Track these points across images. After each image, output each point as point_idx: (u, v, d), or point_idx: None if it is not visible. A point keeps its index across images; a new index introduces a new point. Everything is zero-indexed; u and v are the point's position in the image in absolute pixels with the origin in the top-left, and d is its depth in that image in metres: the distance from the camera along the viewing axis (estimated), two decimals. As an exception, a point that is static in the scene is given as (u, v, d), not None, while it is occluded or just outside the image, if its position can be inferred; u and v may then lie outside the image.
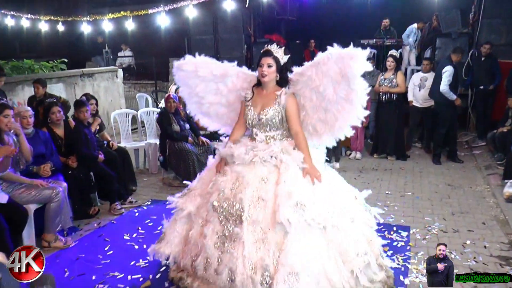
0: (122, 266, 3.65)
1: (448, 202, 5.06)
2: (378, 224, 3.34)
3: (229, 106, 3.42)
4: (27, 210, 3.84)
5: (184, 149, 5.73)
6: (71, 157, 4.76)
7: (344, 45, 2.85)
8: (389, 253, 3.70)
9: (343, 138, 3.19)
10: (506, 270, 3.44)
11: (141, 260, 3.75)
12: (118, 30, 9.66)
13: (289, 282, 2.62)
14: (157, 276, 3.46)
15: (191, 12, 8.19)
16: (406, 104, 7.29)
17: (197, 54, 3.34)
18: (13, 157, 3.85)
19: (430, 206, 4.95)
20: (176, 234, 3.19)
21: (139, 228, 4.50)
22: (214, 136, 5.16)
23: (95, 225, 4.65)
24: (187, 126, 6.00)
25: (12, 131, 3.91)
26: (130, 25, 9.33)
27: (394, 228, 4.29)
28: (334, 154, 6.65)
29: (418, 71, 8.05)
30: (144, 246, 4.06)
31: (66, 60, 8.09)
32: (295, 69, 3.11)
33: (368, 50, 2.90)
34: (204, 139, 5.97)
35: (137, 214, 4.96)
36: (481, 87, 7.77)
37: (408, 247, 3.88)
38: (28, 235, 3.91)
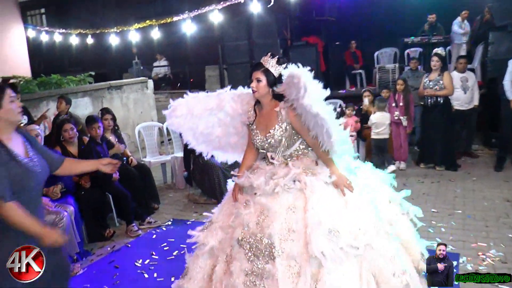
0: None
1: (507, 222, 4.35)
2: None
3: (238, 133, 3.19)
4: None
5: (208, 163, 5.37)
6: (84, 177, 4.53)
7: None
8: None
9: (353, 153, 2.95)
10: None
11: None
12: (150, 40, 9.54)
13: None
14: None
15: (216, 17, 7.87)
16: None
17: (185, 94, 3.10)
18: None
19: (484, 228, 4.26)
20: (199, 270, 2.96)
21: (153, 253, 4.20)
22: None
23: (109, 249, 4.38)
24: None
25: None
26: (166, 34, 9.18)
27: (440, 256, 3.68)
28: (385, 159, 6.14)
29: (470, 70, 7.26)
30: (155, 275, 3.79)
31: (93, 73, 8.00)
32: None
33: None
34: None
35: (154, 236, 4.65)
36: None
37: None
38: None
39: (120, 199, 4.68)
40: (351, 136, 5.38)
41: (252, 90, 2.77)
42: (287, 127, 2.74)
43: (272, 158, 2.84)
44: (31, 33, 10.68)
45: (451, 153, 6.39)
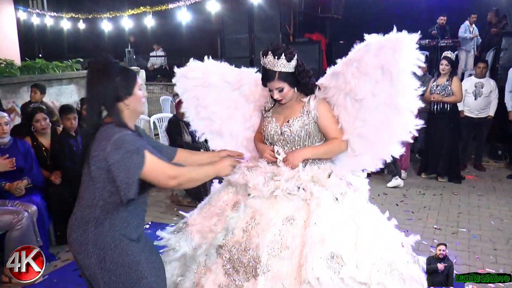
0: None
1: (517, 245, 3.96)
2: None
3: (245, 122, 2.78)
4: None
5: (194, 162, 4.98)
6: (55, 172, 4.12)
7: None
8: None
9: (389, 159, 2.40)
10: None
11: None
12: (145, 28, 9.12)
13: None
14: None
15: (214, 7, 7.46)
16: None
17: (205, 57, 2.77)
18: None
19: (492, 251, 3.86)
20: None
21: (125, 261, 3.77)
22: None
23: (77, 253, 3.96)
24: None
25: None
26: (162, 23, 8.76)
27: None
28: (395, 168, 5.70)
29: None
30: (123, 287, 3.35)
31: (82, 59, 7.57)
32: (328, 70, 2.44)
33: (418, 35, 2.10)
34: (219, 152, 5.20)
35: (129, 240, 4.24)
36: None
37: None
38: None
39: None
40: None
41: (279, 100, 2.41)
42: (311, 122, 2.38)
43: (278, 154, 2.42)
44: (22, 15, 10.26)
45: (456, 164, 5.97)
